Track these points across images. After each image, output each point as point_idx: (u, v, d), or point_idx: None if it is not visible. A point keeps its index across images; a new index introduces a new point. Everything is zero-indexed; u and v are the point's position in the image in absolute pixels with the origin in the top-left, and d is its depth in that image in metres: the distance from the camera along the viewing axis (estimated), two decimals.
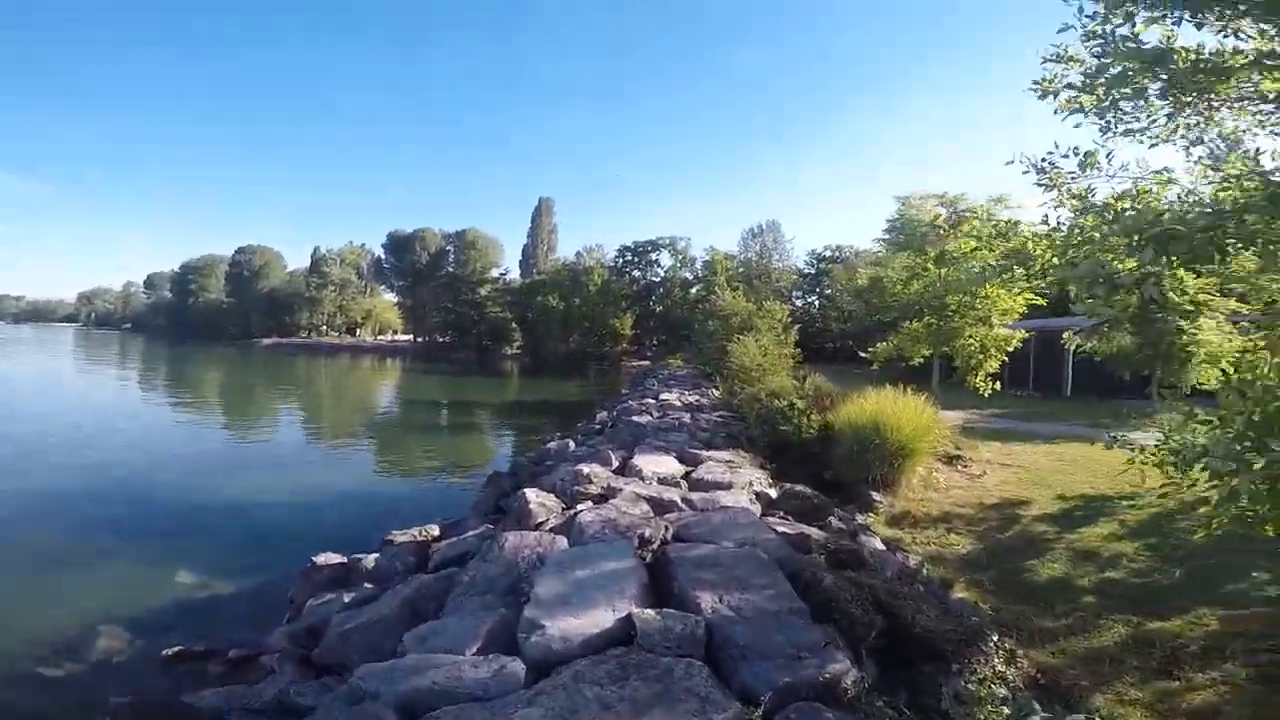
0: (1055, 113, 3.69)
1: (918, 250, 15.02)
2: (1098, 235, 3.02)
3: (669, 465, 8.02)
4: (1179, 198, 3.19)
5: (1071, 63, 3.47)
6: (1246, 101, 3.12)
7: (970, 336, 13.22)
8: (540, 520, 5.88)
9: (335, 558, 6.53)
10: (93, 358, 51.84)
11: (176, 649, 5.26)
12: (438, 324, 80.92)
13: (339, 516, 9.87)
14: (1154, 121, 3.30)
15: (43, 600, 6.49)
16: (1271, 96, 2.98)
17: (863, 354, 15.69)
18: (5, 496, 10.20)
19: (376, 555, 6.50)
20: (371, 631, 4.35)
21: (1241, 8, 2.89)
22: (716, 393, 18.04)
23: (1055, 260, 3.66)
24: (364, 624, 4.45)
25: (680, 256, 64.83)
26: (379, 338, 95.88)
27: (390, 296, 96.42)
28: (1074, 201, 3.57)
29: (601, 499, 6.28)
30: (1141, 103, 3.17)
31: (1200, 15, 3.09)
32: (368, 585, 5.78)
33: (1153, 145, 3.45)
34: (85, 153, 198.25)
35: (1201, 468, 3.49)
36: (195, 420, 20.56)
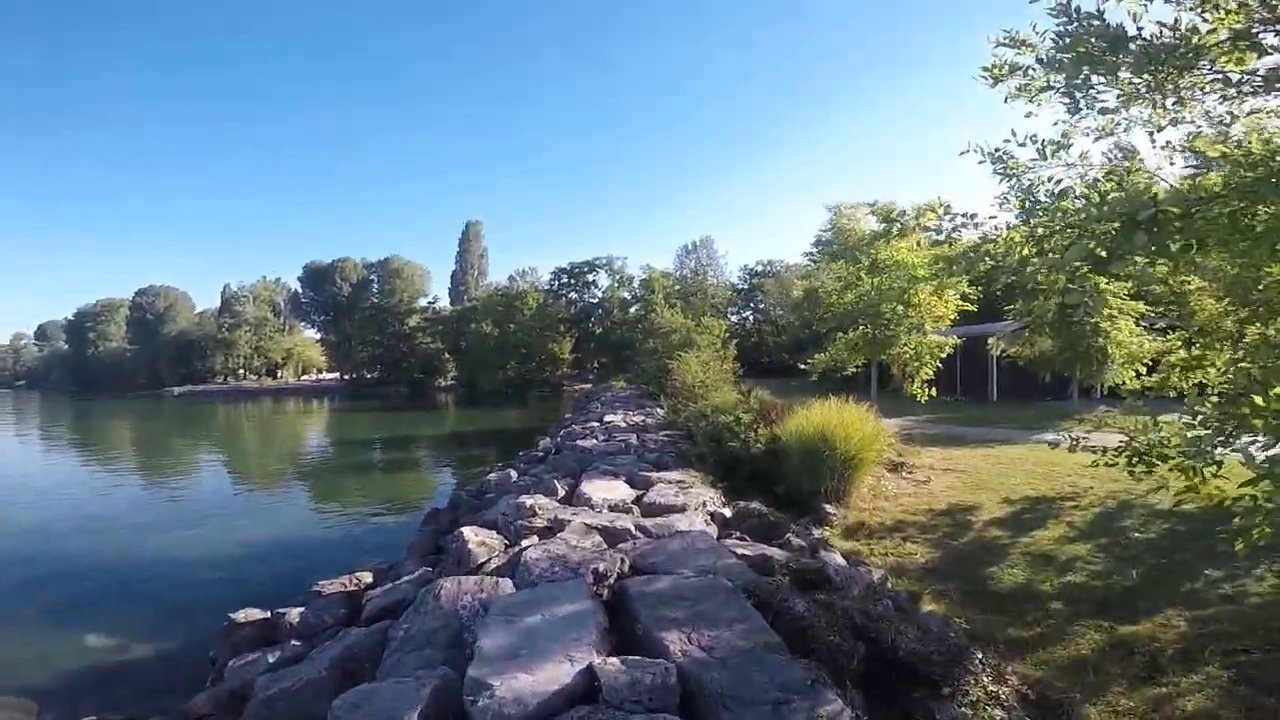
0: (1005, 100, 3.64)
1: (851, 260, 15.35)
2: (1083, 216, 2.91)
3: (619, 490, 7.65)
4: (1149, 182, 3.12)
5: (1024, 47, 3.43)
6: (1227, 83, 3.11)
7: (905, 344, 13.54)
8: (481, 561, 5.40)
9: (256, 614, 5.98)
10: None
11: None
12: (365, 359, 77.19)
13: (266, 567, 9.18)
14: (1128, 100, 3.27)
15: None
16: (1262, 73, 2.97)
17: (801, 366, 15.83)
18: None
19: (302, 609, 5.88)
20: (299, 698, 3.87)
21: None
22: (661, 412, 17.82)
23: (1017, 255, 3.57)
24: (290, 690, 3.97)
25: (618, 276, 63.00)
26: (303, 378, 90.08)
27: (312, 333, 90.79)
28: (1044, 187, 3.48)
29: (548, 532, 5.83)
30: (1114, 77, 3.12)
31: None
32: (295, 642, 5.27)
33: (1128, 128, 3.46)
34: None
35: (1171, 466, 3.46)
36: (105, 476, 18.40)
